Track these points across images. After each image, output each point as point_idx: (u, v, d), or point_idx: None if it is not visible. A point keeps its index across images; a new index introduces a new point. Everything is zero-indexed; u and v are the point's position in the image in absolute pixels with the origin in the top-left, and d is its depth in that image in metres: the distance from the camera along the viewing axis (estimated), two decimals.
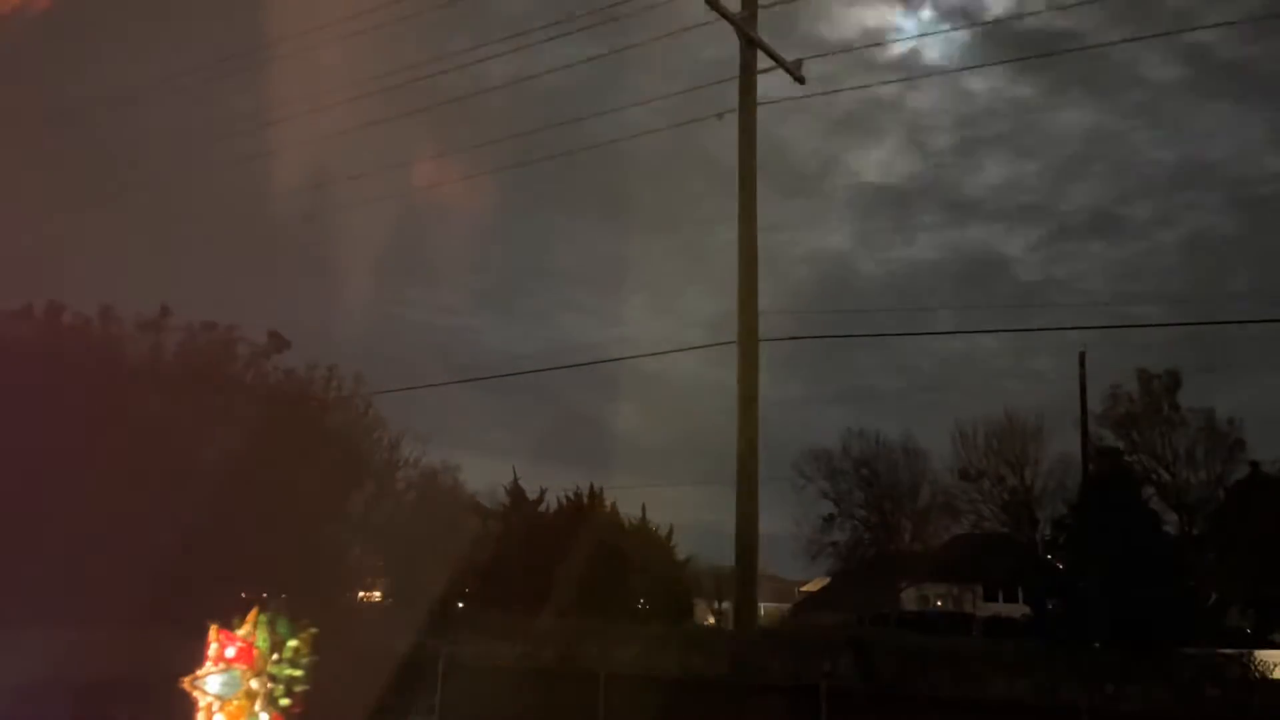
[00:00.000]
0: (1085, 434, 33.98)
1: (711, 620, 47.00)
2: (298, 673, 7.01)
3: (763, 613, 33.14)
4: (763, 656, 15.33)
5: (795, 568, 57.17)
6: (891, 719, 14.39)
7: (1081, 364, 33.23)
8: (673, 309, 73.58)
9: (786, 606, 56.89)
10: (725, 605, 45.83)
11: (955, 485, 46.56)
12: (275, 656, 6.97)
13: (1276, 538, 34.44)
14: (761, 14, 15.23)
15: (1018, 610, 44.63)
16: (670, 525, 37.66)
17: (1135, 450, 40.75)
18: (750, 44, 14.98)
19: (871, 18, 71.56)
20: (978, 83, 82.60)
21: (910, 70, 63.46)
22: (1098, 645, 29.42)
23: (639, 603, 34.17)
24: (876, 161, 77.31)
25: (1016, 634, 37.03)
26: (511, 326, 72.98)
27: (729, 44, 15.11)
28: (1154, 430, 41.05)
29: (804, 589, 61.05)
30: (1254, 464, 39.47)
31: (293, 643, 7.04)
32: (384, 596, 31.96)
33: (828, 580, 53.20)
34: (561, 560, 27.90)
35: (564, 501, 35.64)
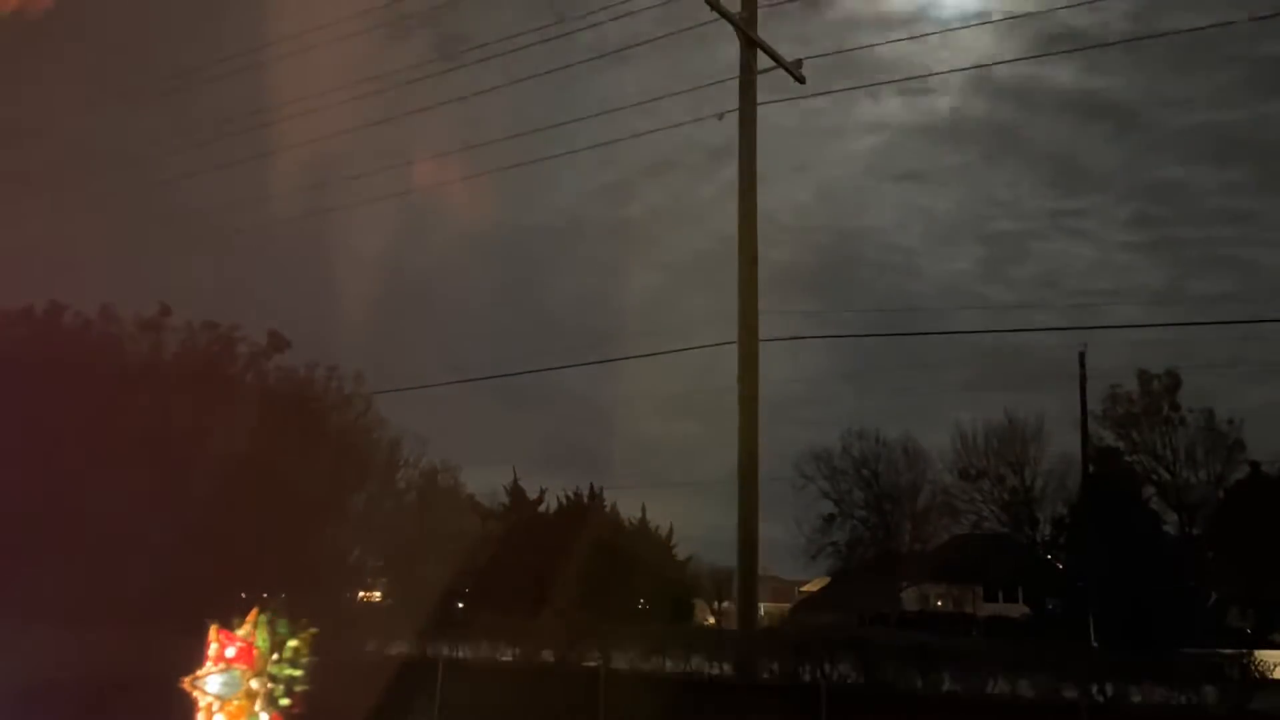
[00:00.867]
0: (1085, 434, 33.99)
1: (711, 620, 47.00)
2: (298, 673, 7.01)
3: (763, 613, 33.15)
4: (763, 656, 15.33)
5: (795, 568, 57.15)
6: (891, 719, 14.39)
7: (1081, 364, 33.26)
8: None
9: (786, 606, 56.88)
10: (725, 605, 45.84)
11: (955, 485, 46.57)
12: (275, 656, 6.96)
13: (1276, 538, 34.43)
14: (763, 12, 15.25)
15: (1018, 610, 44.63)
16: (670, 525, 37.70)
17: (1135, 450, 40.74)
18: (750, 44, 14.97)
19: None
20: None
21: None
22: (1098, 645, 29.43)
23: (639, 603, 34.18)
24: None
25: (1016, 634, 37.02)
26: None
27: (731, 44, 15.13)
28: (1154, 430, 41.04)
29: (804, 589, 61.03)
30: (1254, 464, 39.48)
31: (293, 643, 7.04)
32: (384, 596, 31.97)
33: (828, 580, 53.18)
34: (561, 560, 27.90)
35: (564, 502, 35.66)
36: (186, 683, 6.82)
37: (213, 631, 6.93)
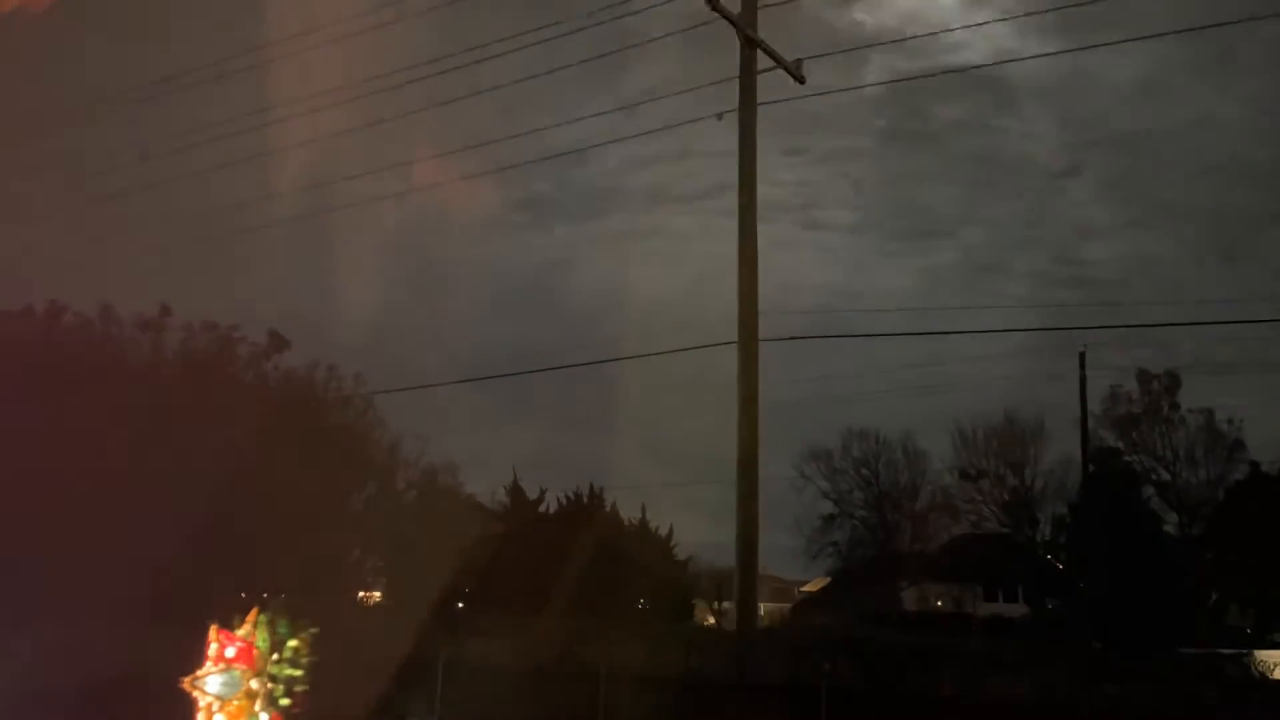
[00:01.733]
0: (1085, 434, 34.00)
1: (711, 620, 47.01)
2: (298, 673, 7.01)
3: (763, 613, 33.14)
4: (763, 656, 15.33)
5: (795, 568, 57.15)
6: (891, 719, 14.41)
7: (1082, 364, 33.27)
8: None
9: (786, 606, 56.87)
10: (725, 605, 45.83)
11: (955, 485, 46.58)
12: (275, 656, 6.97)
13: (1276, 538, 34.43)
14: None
15: (1018, 610, 44.61)
16: (670, 525, 37.70)
17: (1135, 450, 40.74)
18: (750, 44, 14.97)
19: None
20: None
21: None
22: (1098, 645, 29.43)
23: (639, 603, 34.18)
24: None
25: (1016, 634, 37.01)
26: None
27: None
28: (1154, 430, 41.05)
29: (804, 589, 61.01)
30: (1254, 464, 39.48)
31: (293, 643, 7.04)
32: (384, 596, 31.96)
33: (828, 580, 53.19)
34: (561, 561, 27.89)
35: (564, 502, 35.66)
36: (186, 683, 6.83)
37: (213, 631, 6.94)
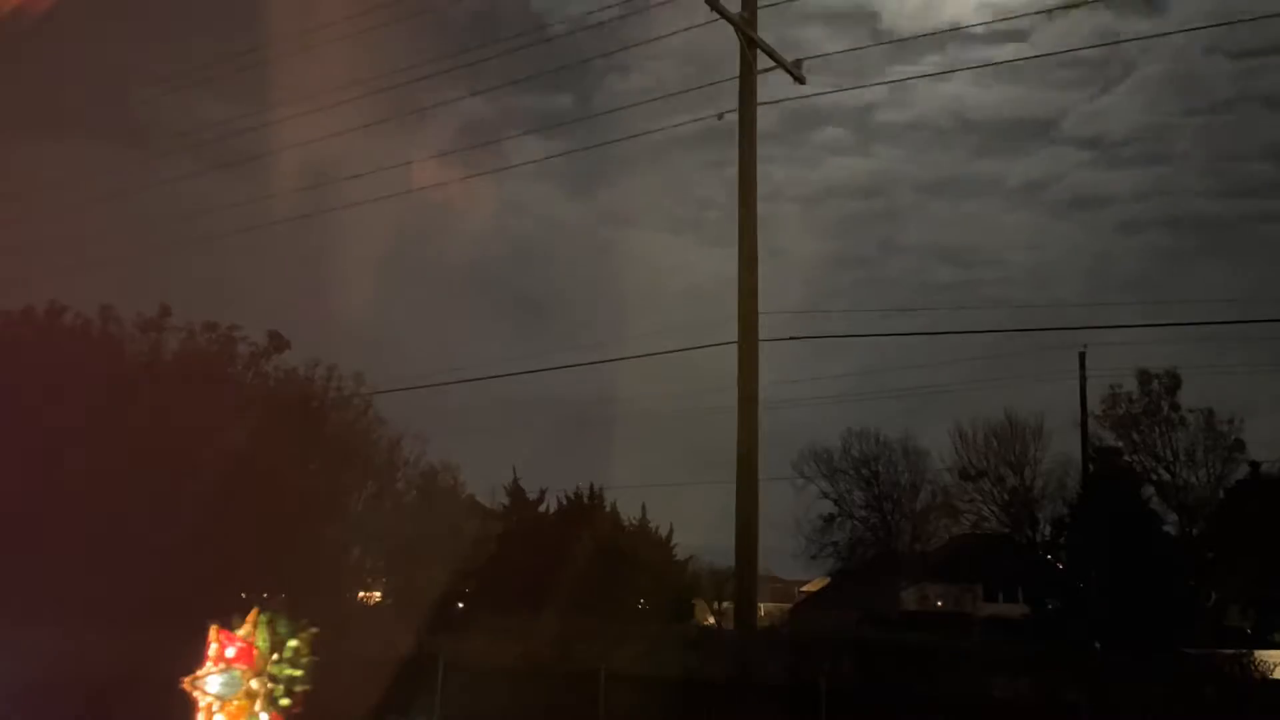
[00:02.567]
0: (1085, 434, 34.00)
1: (711, 620, 46.98)
2: (298, 673, 7.02)
3: (763, 613, 33.11)
4: (763, 656, 15.32)
5: (795, 568, 57.16)
6: (891, 719, 14.38)
7: (1082, 364, 33.27)
8: None
9: (786, 606, 56.85)
10: (725, 605, 45.80)
11: (955, 485, 46.55)
12: (275, 656, 6.97)
13: (1276, 538, 34.42)
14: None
15: (1018, 610, 44.56)
16: (670, 525, 37.66)
17: (1135, 450, 40.73)
18: (750, 44, 14.98)
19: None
20: None
21: None
22: (1098, 645, 29.42)
23: (639, 603, 34.15)
24: None
25: (1016, 634, 36.98)
26: None
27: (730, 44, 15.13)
28: (1154, 430, 41.04)
29: (804, 589, 61.01)
30: (1254, 464, 39.48)
31: (293, 643, 7.05)
32: (384, 596, 31.94)
33: (828, 580, 53.19)
34: (561, 561, 27.88)
35: (564, 502, 35.63)
36: (186, 683, 6.83)
37: (213, 631, 6.94)
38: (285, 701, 6.93)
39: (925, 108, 79.74)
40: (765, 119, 15.02)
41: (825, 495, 48.85)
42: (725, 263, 15.05)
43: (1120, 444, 40.13)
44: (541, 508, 35.73)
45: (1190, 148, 76.05)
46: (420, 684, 17.05)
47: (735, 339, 14.65)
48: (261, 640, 6.93)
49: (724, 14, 14.72)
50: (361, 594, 31.36)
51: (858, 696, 14.69)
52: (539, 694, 16.43)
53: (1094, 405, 36.47)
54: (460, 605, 30.04)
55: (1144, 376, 40.79)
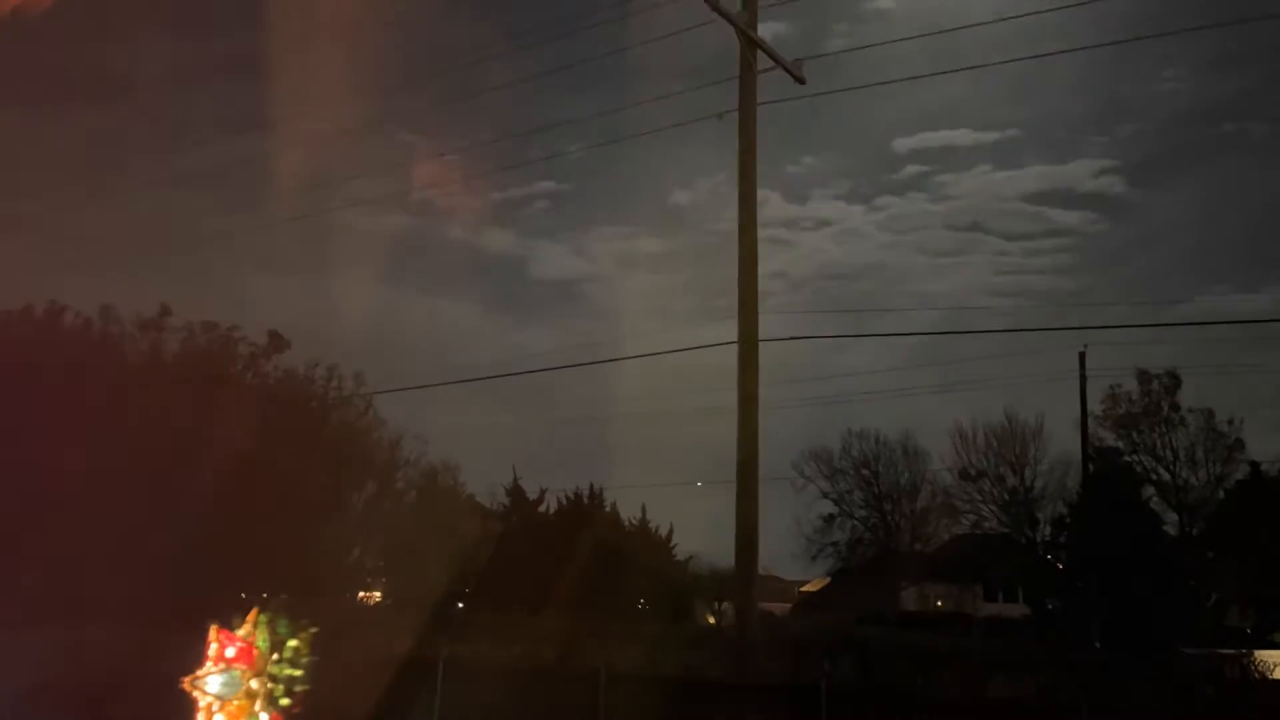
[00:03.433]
0: (1085, 434, 33.99)
1: (711, 620, 47.00)
2: (298, 673, 7.01)
3: (763, 613, 33.05)
4: (763, 656, 15.32)
5: (795, 568, 57.17)
6: (891, 719, 14.38)
7: (1082, 364, 33.27)
8: None
9: (786, 606, 56.87)
10: (725, 605, 45.82)
11: (955, 485, 46.56)
12: (275, 656, 6.97)
13: (1276, 538, 34.43)
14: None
15: (1018, 610, 44.58)
16: (670, 525, 37.67)
17: (1135, 450, 40.75)
18: (750, 44, 14.97)
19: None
20: None
21: None
22: (1098, 645, 29.42)
23: (639, 603, 34.16)
24: None
25: (1016, 634, 36.98)
26: None
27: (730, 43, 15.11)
28: (1154, 430, 41.07)
29: (804, 589, 61.00)
30: (1254, 464, 39.49)
31: (293, 643, 7.04)
32: (384, 596, 31.95)
33: (828, 580, 53.19)
34: (561, 561, 27.89)
35: (564, 502, 35.64)
36: (186, 683, 6.83)
37: (213, 631, 6.94)
38: (285, 701, 6.93)
39: None
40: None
41: (825, 495, 48.89)
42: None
43: (1120, 444, 40.17)
44: (541, 508, 35.75)
45: None
46: (420, 684, 17.05)
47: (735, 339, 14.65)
48: (261, 640, 6.93)
49: (724, 14, 14.71)
50: (361, 594, 31.36)
51: (858, 696, 14.69)
52: (539, 694, 16.43)
53: (1094, 405, 36.49)
54: (460, 605, 30.06)
55: (1144, 376, 40.83)
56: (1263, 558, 35.04)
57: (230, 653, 6.86)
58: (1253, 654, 16.16)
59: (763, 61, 15.12)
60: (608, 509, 35.44)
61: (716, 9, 14.58)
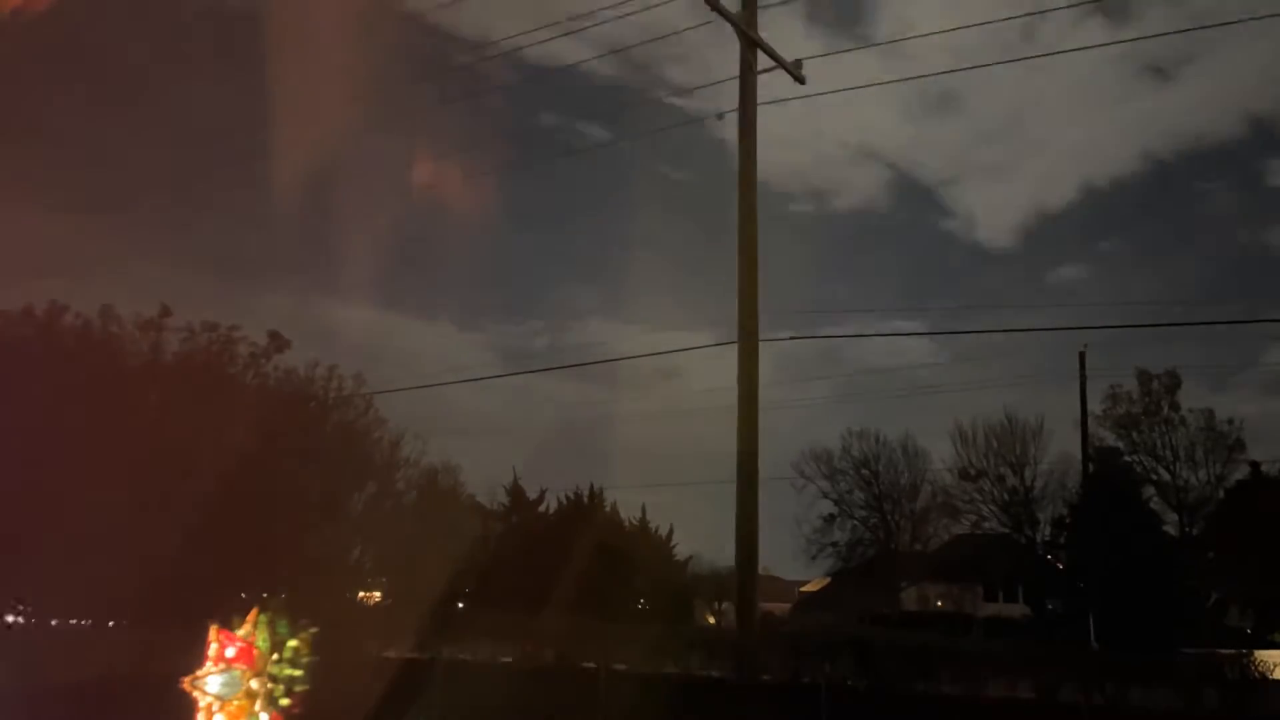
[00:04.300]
0: (1085, 434, 34.00)
1: (711, 621, 47.00)
2: (298, 673, 7.01)
3: (763, 613, 33.06)
4: (763, 656, 15.33)
5: (795, 568, 57.24)
6: (891, 719, 14.39)
7: (1082, 364, 33.27)
8: None
9: (786, 606, 56.87)
10: (725, 605, 45.81)
11: (955, 485, 46.57)
12: (275, 656, 6.97)
13: (1276, 538, 34.43)
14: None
15: (1018, 610, 44.60)
16: (670, 525, 37.71)
17: (1135, 450, 40.77)
18: (750, 44, 14.96)
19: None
20: None
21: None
22: (1098, 645, 29.43)
23: (639, 603, 34.17)
24: None
25: (1016, 634, 37.00)
26: None
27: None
28: (1154, 430, 41.08)
29: (804, 589, 61.02)
30: (1254, 464, 39.50)
31: (293, 643, 7.04)
32: (384, 596, 31.93)
33: (828, 580, 53.19)
34: (561, 561, 27.88)
35: (564, 502, 35.65)
36: (186, 683, 6.83)
37: (213, 631, 6.94)
38: (285, 701, 6.93)
39: None
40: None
41: (825, 495, 48.90)
42: None
43: (1120, 444, 40.19)
44: (541, 508, 35.78)
45: None
46: (420, 684, 17.05)
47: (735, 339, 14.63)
48: (261, 640, 6.93)
49: (724, 14, 14.69)
50: (361, 594, 31.34)
51: (858, 696, 14.70)
52: (539, 694, 16.44)
53: (1094, 405, 36.49)
54: (460, 605, 30.03)
55: (1144, 376, 40.85)
56: (1263, 558, 35.04)
57: (230, 653, 6.86)
58: (1253, 654, 16.14)
59: (763, 61, 15.11)
60: (608, 509, 35.45)
61: (716, 9, 14.57)
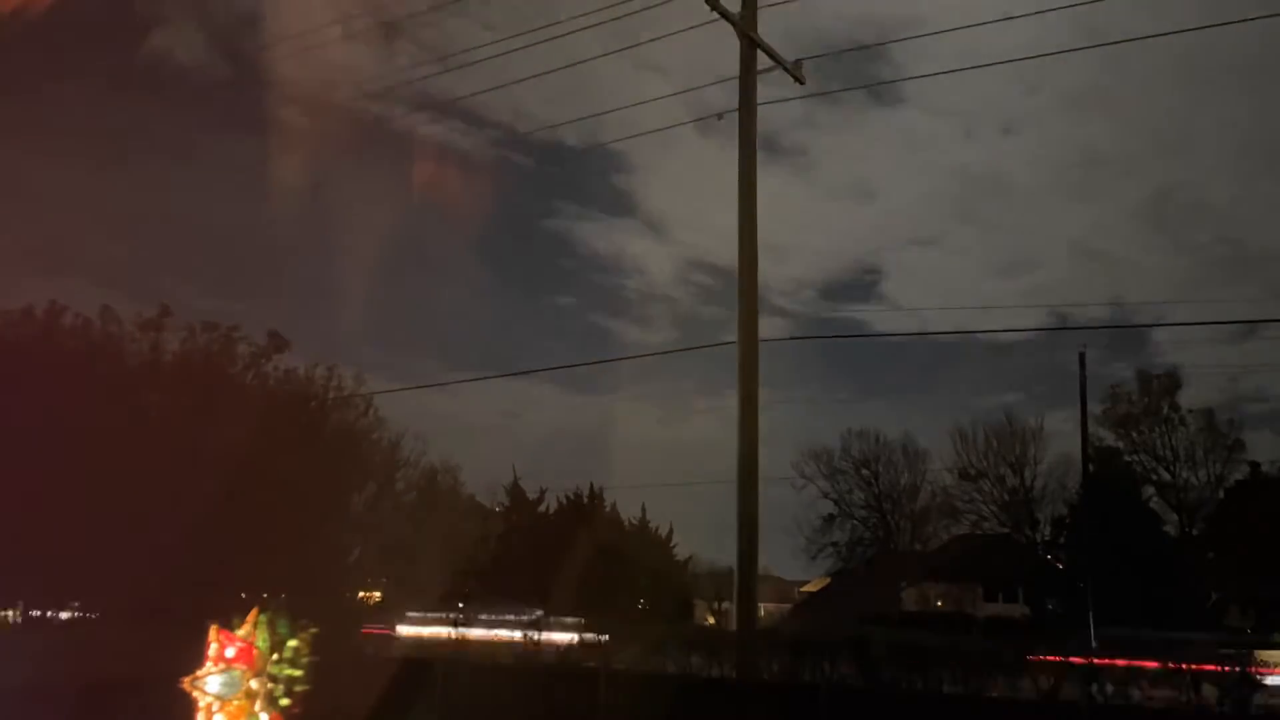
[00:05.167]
0: (1085, 434, 34.01)
1: (711, 620, 47.03)
2: (298, 673, 7.02)
3: (763, 613, 33.11)
4: (762, 656, 15.32)
5: (795, 568, 57.26)
6: (891, 719, 14.38)
7: (1082, 364, 33.28)
8: None
9: (786, 606, 56.91)
10: (725, 605, 45.82)
11: (955, 485, 46.62)
12: (275, 656, 6.98)
13: (1276, 538, 34.45)
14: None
15: (1018, 610, 44.63)
16: (670, 525, 37.74)
17: (1135, 450, 40.80)
18: (750, 44, 14.98)
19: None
20: None
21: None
22: (1097, 645, 29.43)
23: (639, 603, 34.19)
24: None
25: (1016, 634, 36.99)
26: None
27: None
28: (1154, 430, 41.10)
29: (804, 589, 61.06)
30: (1254, 464, 39.52)
31: (293, 643, 7.05)
32: (384, 596, 31.95)
33: (828, 580, 53.23)
34: (561, 561, 27.91)
35: (564, 502, 35.68)
36: (186, 683, 6.83)
37: (213, 631, 6.95)
38: (285, 701, 6.93)
39: None
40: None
41: (825, 495, 48.93)
42: None
43: (1120, 444, 40.20)
44: (541, 508, 35.80)
45: None
46: (420, 684, 17.04)
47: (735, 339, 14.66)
48: (261, 640, 6.94)
49: (724, 14, 14.71)
50: (361, 594, 31.35)
51: (858, 696, 14.68)
52: (539, 693, 16.42)
53: (1094, 405, 36.51)
54: (460, 605, 30.06)
55: (1144, 376, 40.89)
56: (1263, 558, 35.06)
57: (230, 653, 6.86)
58: (1253, 654, 16.13)
59: (763, 61, 15.13)
60: (608, 509, 35.48)
61: (716, 9, 14.58)
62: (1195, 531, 40.25)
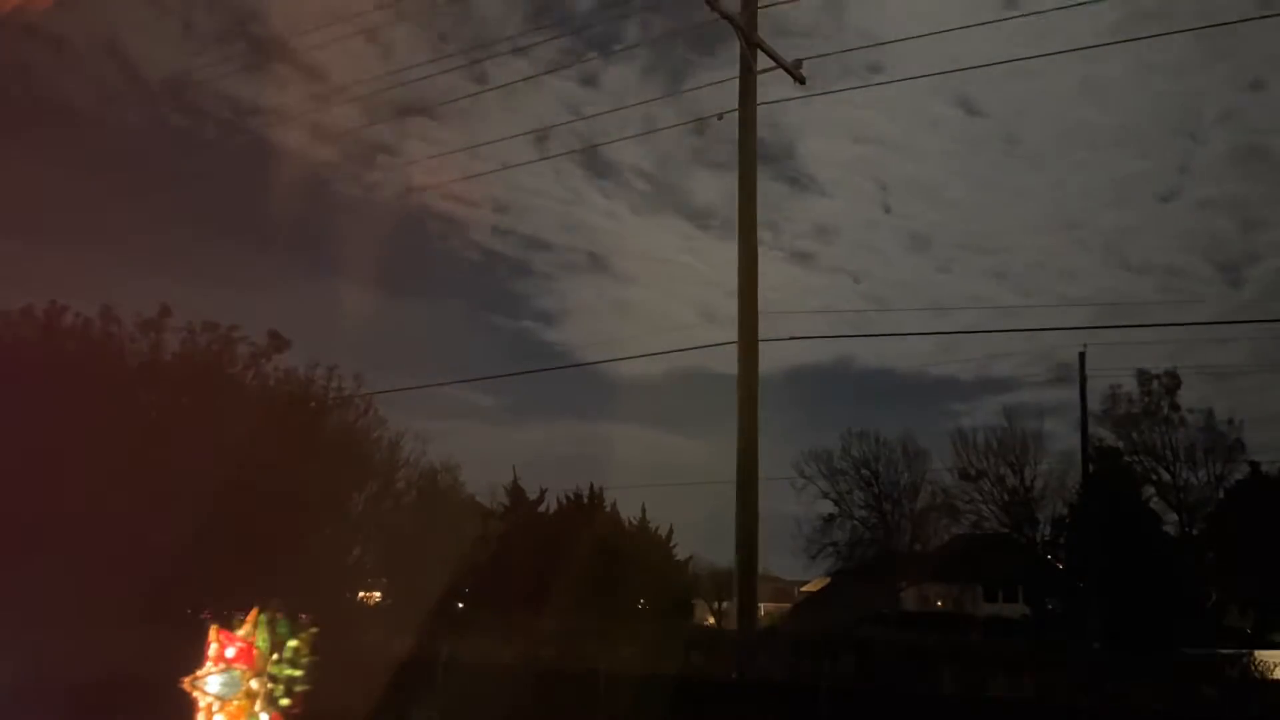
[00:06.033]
0: (1085, 434, 34.02)
1: (711, 620, 47.01)
2: (298, 673, 7.03)
3: (763, 613, 33.13)
4: (763, 656, 15.34)
5: (795, 568, 57.24)
6: (891, 719, 14.39)
7: (1082, 364, 33.30)
8: None
9: (786, 606, 56.88)
10: (725, 605, 45.83)
11: (955, 485, 46.56)
12: (275, 656, 6.98)
13: (1276, 538, 34.43)
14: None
15: (1018, 610, 44.61)
16: (670, 525, 37.70)
17: (1135, 450, 40.75)
18: (750, 44, 14.98)
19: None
20: None
21: None
22: (1097, 645, 29.44)
23: (639, 603, 34.17)
24: None
25: (1016, 634, 37.00)
26: None
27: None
28: (1154, 430, 41.07)
29: (804, 589, 61.03)
30: (1254, 464, 39.50)
31: (293, 643, 7.06)
32: (384, 596, 31.94)
33: (828, 580, 53.20)
34: (561, 560, 27.91)
35: (564, 502, 35.65)
36: (186, 683, 6.84)
37: (213, 631, 6.95)
38: (285, 701, 6.94)
39: None
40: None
41: (825, 495, 48.89)
42: None
43: (1120, 444, 40.17)
44: (541, 508, 35.74)
45: None
46: (420, 684, 17.05)
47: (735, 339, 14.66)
48: (261, 640, 6.94)
49: (724, 14, 14.71)
50: (361, 594, 31.35)
51: (858, 696, 14.69)
52: (539, 693, 16.44)
53: (1094, 405, 36.49)
54: (460, 605, 30.03)
55: (1144, 376, 40.85)
56: (1263, 558, 35.04)
57: (230, 653, 6.87)
58: (1253, 654, 16.17)
59: (763, 61, 15.14)
60: (608, 509, 35.46)
61: (716, 9, 14.59)
62: (1195, 531, 40.22)
